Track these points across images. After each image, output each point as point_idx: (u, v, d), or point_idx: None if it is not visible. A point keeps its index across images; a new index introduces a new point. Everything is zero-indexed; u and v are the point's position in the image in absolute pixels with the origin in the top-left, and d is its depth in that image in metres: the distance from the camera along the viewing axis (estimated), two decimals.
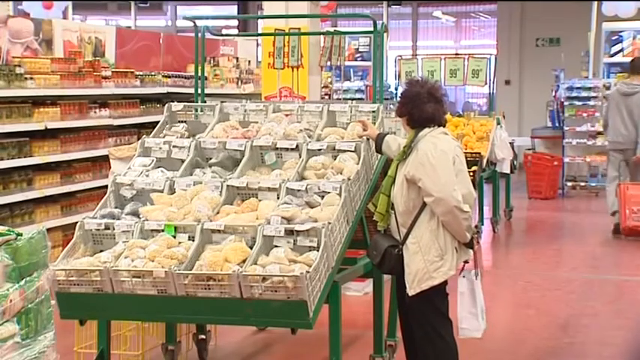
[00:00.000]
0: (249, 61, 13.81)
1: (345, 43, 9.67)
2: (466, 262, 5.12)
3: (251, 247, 5.05)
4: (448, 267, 4.93)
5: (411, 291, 4.94)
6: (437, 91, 5.13)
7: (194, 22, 6.99)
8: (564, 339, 7.08)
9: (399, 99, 5.24)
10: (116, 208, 5.60)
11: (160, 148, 5.99)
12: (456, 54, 15.96)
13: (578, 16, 18.73)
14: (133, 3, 19.47)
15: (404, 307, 5.24)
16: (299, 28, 8.74)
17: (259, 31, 13.96)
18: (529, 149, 16.80)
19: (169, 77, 11.30)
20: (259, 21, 15.27)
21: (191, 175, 5.77)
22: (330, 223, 5.05)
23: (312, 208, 5.32)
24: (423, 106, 5.03)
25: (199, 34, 6.95)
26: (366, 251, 5.52)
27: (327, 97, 14.95)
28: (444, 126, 5.15)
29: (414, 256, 4.92)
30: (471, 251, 5.05)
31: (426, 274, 4.89)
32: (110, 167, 6.68)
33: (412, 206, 4.94)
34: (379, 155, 5.79)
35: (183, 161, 5.85)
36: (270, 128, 6.00)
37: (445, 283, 5.03)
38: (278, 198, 5.41)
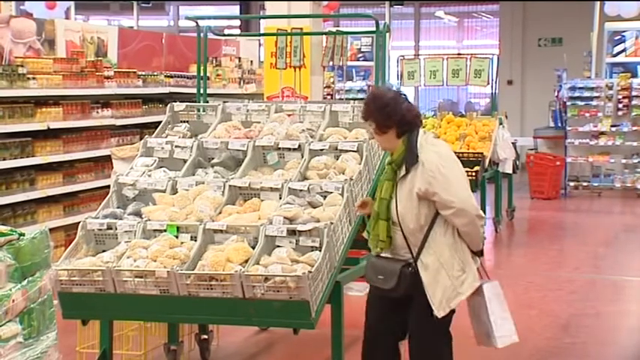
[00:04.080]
0: (252, 61, 13.83)
1: (348, 43, 9.68)
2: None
3: (253, 247, 5.06)
4: (472, 278, 4.69)
5: (441, 312, 4.59)
6: (400, 91, 4.86)
7: (196, 22, 6.99)
8: (566, 339, 7.08)
9: (376, 114, 4.67)
10: (118, 208, 5.61)
11: (163, 148, 5.99)
12: (459, 54, 15.97)
13: (581, 16, 18.74)
14: (135, 3, 19.47)
15: (389, 329, 4.84)
16: (301, 28, 8.77)
17: (261, 31, 13.96)
18: (531, 149, 16.81)
19: (171, 77, 11.32)
20: (261, 21, 15.26)
21: (193, 175, 5.77)
22: (332, 223, 5.05)
23: (314, 208, 5.32)
24: (408, 106, 4.68)
25: (202, 34, 6.96)
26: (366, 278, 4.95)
27: (329, 97, 14.97)
28: (422, 125, 4.80)
29: (438, 274, 4.59)
30: (479, 260, 4.80)
31: (453, 291, 4.61)
32: (112, 167, 6.68)
33: (424, 222, 4.61)
34: (381, 155, 5.79)
35: (185, 161, 5.86)
36: (272, 128, 6.00)
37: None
38: (280, 198, 5.42)
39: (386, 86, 4.88)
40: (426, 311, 4.62)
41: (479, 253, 4.77)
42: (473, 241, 4.68)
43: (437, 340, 4.75)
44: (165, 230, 5.25)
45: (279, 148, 5.82)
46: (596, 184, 15.65)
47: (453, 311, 4.71)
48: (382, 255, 4.72)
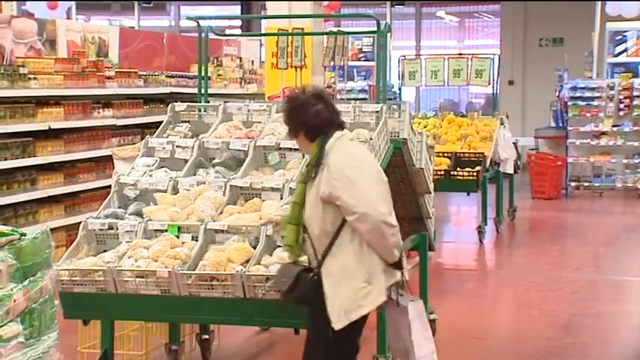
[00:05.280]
0: (253, 61, 13.83)
1: (349, 43, 9.68)
2: (399, 285, 4.54)
3: (254, 247, 5.06)
4: (377, 292, 4.31)
5: (338, 324, 4.26)
6: (321, 92, 4.66)
7: (197, 23, 6.99)
8: (566, 339, 7.08)
9: (286, 118, 4.57)
10: (120, 208, 5.61)
11: (164, 148, 5.99)
12: (460, 54, 15.96)
13: (582, 16, 18.74)
14: (136, 3, 19.47)
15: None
16: (302, 29, 8.76)
17: (263, 31, 13.97)
18: (532, 149, 16.80)
19: (173, 77, 11.32)
20: (262, 21, 15.28)
21: (194, 175, 5.77)
22: None
23: None
24: (315, 111, 4.45)
25: (203, 35, 6.96)
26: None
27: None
28: (344, 127, 4.59)
29: (340, 284, 4.27)
30: (399, 273, 4.42)
31: (353, 302, 4.26)
32: (113, 167, 6.68)
33: (331, 228, 4.32)
34: (382, 155, 5.79)
35: (186, 161, 5.86)
36: (273, 128, 6.01)
37: (368, 315, 4.40)
38: (281, 198, 5.42)
39: (304, 88, 4.62)
40: (317, 322, 4.38)
41: (397, 266, 4.40)
42: (382, 251, 4.31)
43: (342, 355, 4.45)
44: (166, 230, 5.26)
45: (281, 148, 5.83)
46: (597, 184, 15.64)
47: (352, 330, 4.37)
48: (290, 262, 4.50)
